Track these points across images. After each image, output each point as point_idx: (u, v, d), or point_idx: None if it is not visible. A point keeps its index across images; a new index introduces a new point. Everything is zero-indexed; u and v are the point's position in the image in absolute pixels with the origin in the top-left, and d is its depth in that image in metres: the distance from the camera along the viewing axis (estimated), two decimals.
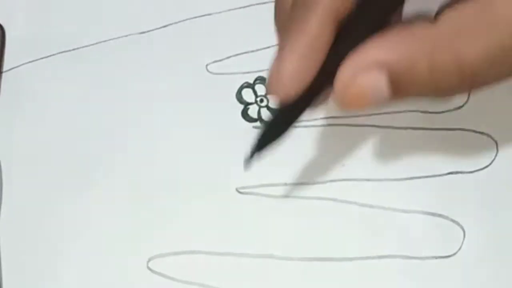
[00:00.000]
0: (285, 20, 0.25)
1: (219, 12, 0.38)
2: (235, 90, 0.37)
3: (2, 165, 0.36)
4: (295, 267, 0.33)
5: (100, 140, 0.36)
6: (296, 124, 0.25)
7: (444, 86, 0.23)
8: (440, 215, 0.33)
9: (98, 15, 0.39)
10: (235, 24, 0.38)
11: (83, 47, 0.38)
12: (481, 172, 0.34)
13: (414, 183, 0.34)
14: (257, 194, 0.34)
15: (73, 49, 0.38)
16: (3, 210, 0.35)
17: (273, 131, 0.26)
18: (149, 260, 0.34)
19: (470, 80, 0.23)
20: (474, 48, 0.23)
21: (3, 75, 0.38)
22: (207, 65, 0.38)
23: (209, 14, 0.38)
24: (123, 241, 0.34)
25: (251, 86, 0.37)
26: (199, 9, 0.38)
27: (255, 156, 0.27)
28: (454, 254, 0.33)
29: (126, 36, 0.38)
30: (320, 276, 0.33)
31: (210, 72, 0.37)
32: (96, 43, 0.38)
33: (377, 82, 0.23)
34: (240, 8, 0.38)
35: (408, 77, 0.23)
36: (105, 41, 0.38)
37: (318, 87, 0.24)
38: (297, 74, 0.24)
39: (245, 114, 0.36)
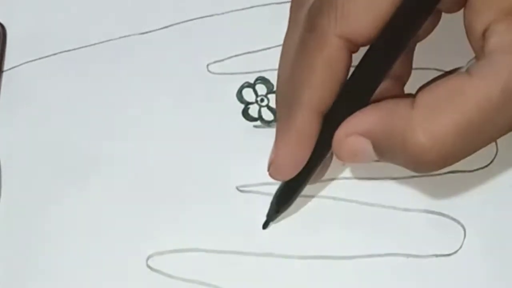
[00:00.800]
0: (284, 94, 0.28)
1: (220, 13, 0.39)
2: (236, 90, 0.37)
3: (2, 164, 0.36)
4: (295, 265, 0.33)
5: (100, 140, 0.36)
6: (301, 193, 0.30)
7: (421, 162, 0.26)
8: (440, 214, 0.33)
9: (99, 15, 0.39)
10: (236, 24, 0.38)
11: (83, 47, 0.39)
12: (481, 171, 0.34)
13: (415, 181, 0.34)
14: (257, 192, 0.34)
15: (74, 49, 0.39)
16: (2, 208, 0.35)
17: (281, 201, 0.31)
18: (148, 258, 0.34)
19: (442, 159, 0.25)
20: (445, 126, 0.25)
21: (4, 74, 0.38)
22: (208, 65, 0.38)
23: (210, 15, 0.39)
24: (123, 239, 0.34)
25: (251, 86, 0.37)
26: (200, 10, 0.39)
27: (271, 220, 0.32)
28: (455, 252, 0.33)
29: (127, 36, 0.39)
30: (320, 274, 0.33)
31: (211, 72, 0.38)
32: (97, 43, 0.39)
33: (364, 145, 0.26)
34: (241, 9, 0.39)
35: (388, 148, 0.26)
36: (106, 41, 0.39)
37: (315, 162, 0.28)
38: (291, 162, 0.28)
39: (245, 114, 0.36)
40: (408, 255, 0.33)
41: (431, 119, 0.25)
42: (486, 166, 0.34)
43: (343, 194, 0.34)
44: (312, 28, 0.26)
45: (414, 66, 0.35)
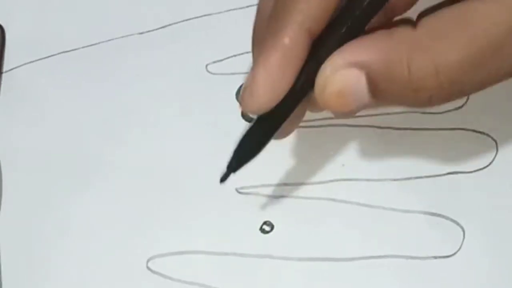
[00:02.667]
0: (262, 34, 0.25)
1: (219, 13, 0.39)
2: (235, 90, 0.37)
3: (2, 165, 0.36)
4: (295, 267, 0.33)
5: (100, 140, 0.37)
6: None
7: (423, 90, 0.23)
8: (440, 215, 0.33)
9: (98, 15, 0.39)
10: (235, 24, 0.38)
11: (83, 47, 0.39)
12: (481, 172, 0.34)
13: (414, 183, 0.34)
14: (256, 194, 0.34)
15: (73, 50, 0.39)
16: (3, 209, 0.35)
17: (251, 144, 0.26)
18: (148, 260, 0.34)
19: (448, 84, 0.23)
20: (451, 52, 0.23)
21: (3, 75, 0.38)
22: (207, 66, 0.38)
23: (209, 15, 0.39)
24: (123, 241, 0.34)
25: None
26: (199, 10, 0.39)
27: (233, 169, 0.27)
28: (454, 254, 0.33)
29: (126, 36, 0.39)
30: (320, 276, 0.33)
31: (210, 73, 0.38)
32: (96, 44, 0.39)
33: (356, 80, 0.23)
34: (240, 8, 0.38)
35: (386, 77, 0.23)
36: (105, 41, 0.39)
37: (295, 97, 0.24)
38: (271, 87, 0.24)
39: (244, 114, 0.36)
40: (407, 257, 0.33)
41: (438, 41, 0.23)
42: (486, 166, 0.34)
43: (342, 196, 0.34)
44: None
45: None
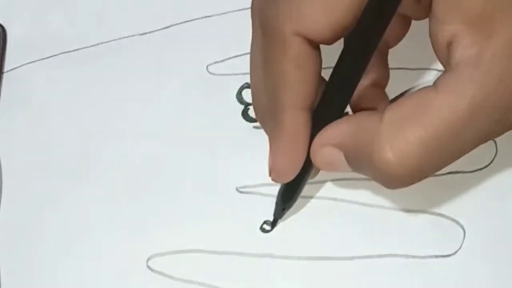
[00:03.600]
0: (265, 116, 0.29)
1: (220, 14, 0.39)
2: (236, 91, 0.37)
3: (2, 164, 0.36)
4: (295, 266, 0.33)
5: (100, 140, 0.37)
6: (301, 191, 0.31)
7: (384, 178, 0.26)
8: (440, 214, 0.33)
9: (99, 16, 0.39)
10: (236, 25, 0.38)
11: (84, 48, 0.39)
12: (481, 171, 0.34)
13: None
14: (257, 193, 0.34)
15: (74, 50, 0.39)
16: (3, 209, 0.35)
17: (286, 199, 0.31)
18: (148, 259, 0.34)
19: (407, 174, 0.25)
20: (411, 142, 0.24)
21: (4, 75, 0.38)
22: (207, 66, 0.38)
23: (210, 16, 0.39)
24: (123, 240, 0.34)
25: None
26: (200, 11, 0.39)
27: (278, 218, 0.33)
28: (454, 253, 0.33)
29: (127, 37, 0.39)
30: (320, 275, 0.33)
31: (211, 73, 0.38)
32: (97, 44, 0.39)
33: (337, 156, 0.27)
34: (241, 10, 0.39)
35: (356, 160, 0.27)
36: (106, 42, 0.39)
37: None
38: (290, 165, 0.28)
39: (245, 114, 0.36)
40: (407, 256, 0.33)
41: (397, 135, 0.25)
42: (486, 166, 0.34)
43: (343, 195, 0.34)
44: (268, 32, 0.26)
45: (414, 66, 0.36)
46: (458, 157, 0.26)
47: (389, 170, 0.25)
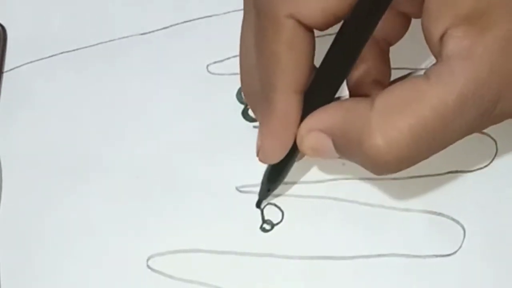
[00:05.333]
0: (255, 99, 0.29)
1: (220, 14, 0.39)
2: (236, 90, 0.37)
3: (2, 164, 0.36)
4: (295, 266, 0.33)
5: (100, 140, 0.37)
6: (287, 174, 0.31)
7: (374, 165, 0.26)
8: (440, 214, 0.33)
9: (100, 16, 0.39)
10: (236, 25, 0.38)
11: (84, 47, 0.39)
12: (481, 171, 0.34)
13: (414, 182, 0.34)
14: (257, 193, 0.34)
15: (74, 50, 0.39)
16: (3, 209, 0.35)
17: (272, 179, 0.32)
18: (148, 259, 0.34)
19: (399, 159, 0.26)
20: (400, 129, 0.25)
21: (4, 75, 0.38)
22: (207, 66, 0.38)
23: (210, 16, 0.39)
24: (123, 239, 0.34)
25: None
26: (200, 11, 0.39)
27: (263, 199, 0.33)
28: (454, 252, 0.33)
29: (127, 37, 0.39)
30: (320, 275, 0.33)
31: (211, 73, 0.38)
32: (97, 44, 0.39)
33: (324, 141, 0.27)
34: (241, 10, 0.38)
35: (345, 146, 0.27)
36: (106, 41, 0.39)
37: None
38: (278, 146, 0.29)
39: (245, 114, 0.36)
40: (407, 255, 0.33)
41: (387, 122, 0.25)
42: (486, 166, 0.34)
43: (343, 195, 0.34)
44: (262, 13, 0.27)
45: (414, 66, 0.36)
46: (446, 146, 0.26)
47: (378, 157, 0.26)
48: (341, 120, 0.27)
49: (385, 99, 0.26)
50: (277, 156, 0.29)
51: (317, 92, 0.28)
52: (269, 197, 0.33)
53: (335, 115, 0.27)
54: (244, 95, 0.31)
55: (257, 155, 0.29)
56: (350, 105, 0.27)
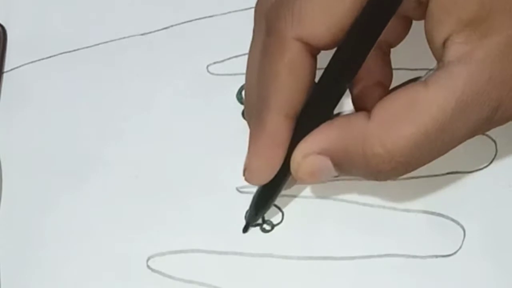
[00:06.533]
0: (251, 114, 0.29)
1: (220, 14, 0.39)
2: (236, 91, 0.37)
3: (2, 164, 0.36)
4: (295, 266, 0.33)
5: (100, 140, 0.37)
6: (275, 200, 0.31)
7: (379, 173, 0.26)
8: (440, 215, 0.34)
9: (100, 16, 0.39)
10: (236, 25, 0.38)
11: (84, 48, 0.39)
12: (480, 172, 0.34)
13: (414, 182, 0.34)
14: None
15: (74, 50, 0.39)
16: (3, 209, 0.35)
17: (260, 205, 0.31)
18: (148, 259, 0.34)
19: (401, 166, 0.26)
20: (401, 138, 0.25)
21: (4, 75, 0.38)
22: (208, 66, 0.38)
23: (210, 16, 0.39)
24: (123, 239, 0.34)
25: None
26: (200, 11, 0.39)
27: (251, 223, 0.33)
28: (454, 253, 0.33)
29: (127, 37, 0.39)
30: (320, 275, 0.33)
31: (211, 73, 0.38)
32: (98, 44, 0.39)
33: (323, 163, 0.27)
34: (241, 10, 0.39)
35: (347, 162, 0.27)
36: (106, 42, 0.39)
37: (288, 168, 0.28)
38: (264, 167, 0.28)
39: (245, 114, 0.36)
40: (407, 256, 0.33)
41: (388, 131, 0.25)
42: (486, 166, 0.34)
43: (343, 195, 0.34)
44: (271, 32, 0.27)
45: (414, 66, 0.36)
46: (446, 151, 0.26)
47: (382, 166, 0.26)
48: (338, 138, 0.27)
49: (383, 109, 0.26)
50: (263, 177, 0.29)
51: (309, 115, 0.28)
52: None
53: (331, 134, 0.27)
54: (245, 107, 0.30)
55: (243, 174, 0.29)
56: (344, 122, 0.27)
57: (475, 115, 0.25)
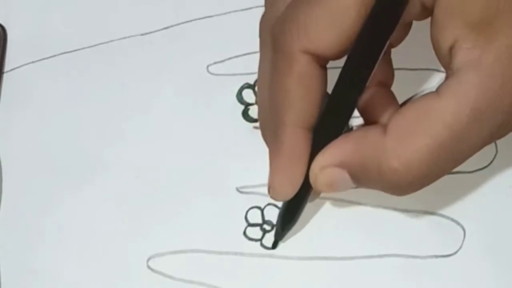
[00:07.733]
0: (267, 131, 0.29)
1: (220, 14, 0.39)
2: (236, 91, 0.37)
3: (2, 164, 0.36)
4: (295, 266, 0.33)
5: (100, 140, 0.37)
6: (301, 213, 0.31)
7: (395, 187, 0.26)
8: (440, 215, 0.34)
9: (100, 16, 0.39)
10: (236, 26, 0.38)
11: (84, 48, 0.39)
12: (481, 172, 0.34)
13: None
14: (257, 193, 0.34)
15: (74, 50, 0.39)
16: (3, 209, 0.35)
17: (286, 220, 0.31)
18: (149, 259, 0.34)
19: (416, 180, 0.26)
20: (417, 151, 0.25)
21: (5, 75, 0.38)
22: (208, 66, 0.38)
23: (210, 16, 0.39)
24: (123, 240, 0.34)
25: (251, 87, 0.37)
26: (200, 11, 0.39)
27: (278, 239, 0.33)
28: (455, 253, 0.33)
29: (127, 37, 0.39)
30: (320, 275, 0.33)
31: (211, 73, 0.38)
32: (98, 45, 0.39)
33: (340, 175, 0.27)
34: (241, 10, 0.39)
35: (364, 175, 0.27)
36: (106, 42, 0.39)
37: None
38: (288, 183, 0.28)
39: (245, 115, 0.36)
40: (407, 256, 0.33)
41: (403, 145, 0.25)
42: (486, 167, 0.34)
43: (343, 195, 0.34)
44: (277, 47, 0.27)
45: (414, 66, 0.36)
46: (463, 161, 0.26)
47: (398, 180, 0.26)
48: (355, 151, 0.26)
49: (398, 121, 0.25)
50: (287, 193, 0.29)
51: (325, 127, 0.27)
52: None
53: (348, 147, 0.27)
54: (260, 129, 0.30)
55: (268, 192, 0.29)
56: (361, 135, 0.27)
57: (489, 122, 0.24)
